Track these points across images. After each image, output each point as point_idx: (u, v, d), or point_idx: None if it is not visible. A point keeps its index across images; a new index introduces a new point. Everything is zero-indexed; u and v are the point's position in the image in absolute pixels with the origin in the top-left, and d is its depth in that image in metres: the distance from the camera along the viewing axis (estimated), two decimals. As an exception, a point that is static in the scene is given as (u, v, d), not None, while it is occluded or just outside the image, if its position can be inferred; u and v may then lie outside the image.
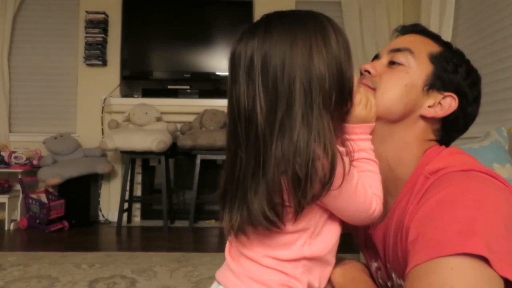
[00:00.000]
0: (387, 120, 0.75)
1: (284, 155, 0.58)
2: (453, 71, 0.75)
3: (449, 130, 0.77)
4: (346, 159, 0.61)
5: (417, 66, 0.75)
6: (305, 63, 0.60)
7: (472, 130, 2.56)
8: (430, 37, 0.79)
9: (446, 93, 0.74)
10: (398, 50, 0.77)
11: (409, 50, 0.76)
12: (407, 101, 0.74)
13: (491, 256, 0.52)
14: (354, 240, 0.92)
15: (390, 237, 0.73)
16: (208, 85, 3.70)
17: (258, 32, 0.62)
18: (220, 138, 3.13)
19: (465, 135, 0.83)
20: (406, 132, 0.75)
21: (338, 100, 0.62)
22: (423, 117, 0.75)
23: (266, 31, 0.62)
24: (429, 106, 0.74)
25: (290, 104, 0.59)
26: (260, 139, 0.60)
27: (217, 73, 3.61)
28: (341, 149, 0.62)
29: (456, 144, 0.80)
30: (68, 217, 3.22)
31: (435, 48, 0.77)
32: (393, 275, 0.76)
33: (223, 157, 3.55)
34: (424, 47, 0.77)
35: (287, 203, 0.60)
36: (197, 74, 3.61)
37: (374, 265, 0.84)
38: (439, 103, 0.74)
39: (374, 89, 0.76)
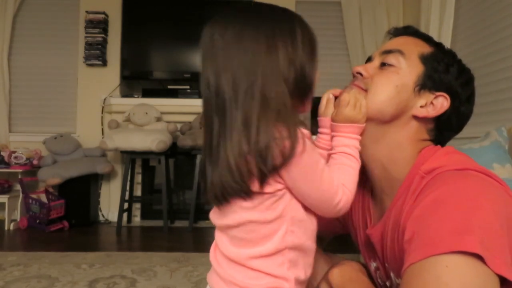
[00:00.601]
0: (379, 121, 0.75)
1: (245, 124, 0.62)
2: (445, 71, 0.75)
3: (442, 129, 0.77)
4: (309, 142, 0.63)
5: (408, 67, 0.75)
6: (267, 52, 0.64)
7: (472, 130, 2.56)
8: (422, 38, 0.80)
9: (438, 93, 0.75)
10: (389, 51, 0.78)
11: (399, 52, 0.76)
12: (398, 102, 0.74)
13: (485, 253, 0.53)
14: (353, 240, 0.92)
15: (388, 237, 0.73)
16: (208, 85, 3.70)
17: (231, 18, 0.70)
18: (220, 138, 3.13)
19: (465, 135, 0.83)
20: (398, 132, 0.76)
21: (297, 93, 0.66)
22: (415, 117, 0.75)
23: (236, 18, 0.69)
24: (421, 106, 0.75)
25: (251, 88, 0.63)
26: (227, 109, 0.64)
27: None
28: (305, 131, 0.64)
29: (456, 144, 0.80)
30: (68, 217, 3.22)
31: (426, 49, 0.77)
32: (392, 275, 0.76)
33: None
34: (415, 48, 0.77)
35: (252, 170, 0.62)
36: (197, 74, 3.58)
37: (373, 265, 0.84)
38: (431, 103, 0.75)
39: (365, 91, 0.77)
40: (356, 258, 1.18)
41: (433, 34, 2.61)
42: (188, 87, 3.58)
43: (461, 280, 0.53)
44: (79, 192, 3.30)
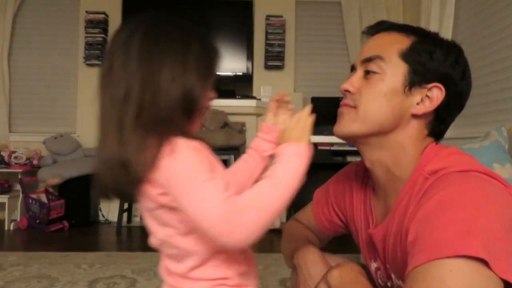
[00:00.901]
0: (381, 132, 0.74)
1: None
2: (429, 60, 0.72)
3: (444, 118, 0.75)
4: (193, 155, 0.61)
5: (391, 70, 0.73)
6: (151, 65, 0.65)
7: (472, 130, 2.55)
8: (398, 31, 0.76)
9: (430, 85, 0.72)
10: (369, 59, 0.75)
11: (379, 58, 0.73)
12: (392, 109, 0.72)
13: (489, 257, 0.52)
14: (355, 240, 0.92)
15: (391, 238, 0.73)
16: (208, 85, 3.70)
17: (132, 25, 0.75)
18: (220, 138, 3.13)
19: (465, 135, 0.83)
20: (401, 135, 0.74)
21: (181, 110, 0.65)
22: (415, 116, 0.73)
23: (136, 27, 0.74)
24: (417, 104, 0.73)
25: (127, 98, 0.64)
26: (107, 109, 0.66)
27: (217, 73, 3.61)
28: (197, 144, 0.63)
29: (456, 144, 0.80)
30: (68, 217, 3.22)
31: (404, 43, 0.74)
32: (393, 276, 0.76)
33: (223, 157, 3.54)
34: (393, 46, 0.74)
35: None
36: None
37: (374, 265, 0.83)
38: (426, 96, 0.72)
39: (355, 107, 0.75)
40: (356, 258, 1.18)
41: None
42: (188, 87, 3.58)
43: (464, 284, 0.52)
44: (79, 192, 3.30)
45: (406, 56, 0.73)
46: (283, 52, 3.65)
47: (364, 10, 3.51)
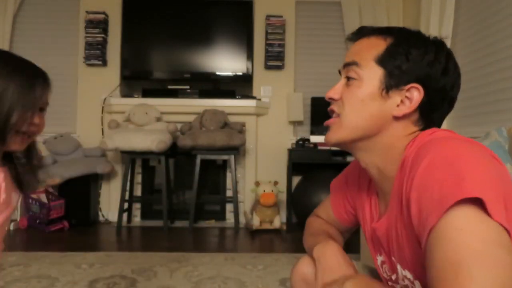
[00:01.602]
0: (366, 136, 0.76)
1: None
2: (405, 61, 0.73)
3: (428, 114, 0.76)
4: None
5: (367, 76, 0.75)
6: None
7: (472, 130, 2.55)
8: (377, 35, 0.78)
9: (407, 86, 0.73)
10: (348, 64, 0.77)
11: (355, 64, 0.76)
12: (371, 114, 0.74)
13: (486, 198, 0.54)
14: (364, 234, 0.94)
15: (393, 229, 0.75)
16: (208, 85, 3.71)
17: None
18: (220, 138, 3.13)
19: (465, 135, 0.83)
20: (387, 137, 0.76)
21: None
22: (397, 118, 0.75)
23: None
24: (397, 106, 0.74)
25: None
26: None
27: (217, 73, 3.61)
28: None
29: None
30: (68, 217, 3.22)
31: (380, 48, 0.75)
32: (398, 267, 0.77)
33: (223, 157, 3.55)
34: (370, 52, 0.76)
35: None
36: (197, 74, 3.61)
37: (379, 258, 0.85)
38: (406, 97, 0.74)
39: (339, 115, 0.78)
40: (356, 258, 1.18)
41: (433, 34, 2.61)
42: (188, 87, 3.58)
43: (479, 238, 0.54)
44: (79, 192, 3.30)
45: (381, 60, 0.74)
46: (283, 52, 3.65)
47: (364, 10, 3.51)
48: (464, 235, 0.54)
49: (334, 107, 0.79)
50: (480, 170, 0.58)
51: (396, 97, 0.74)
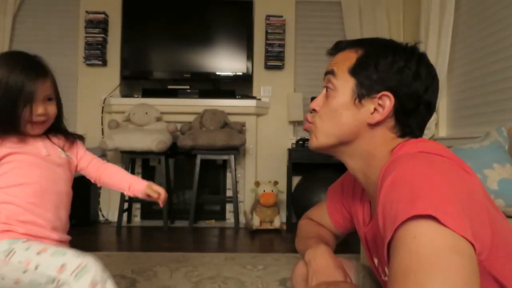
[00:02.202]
0: (342, 143, 0.80)
1: None
2: (374, 72, 0.76)
3: (404, 120, 0.77)
4: None
5: (341, 86, 0.78)
6: None
7: (472, 130, 2.55)
8: (350, 47, 0.81)
9: (379, 94, 0.75)
10: (327, 73, 0.82)
11: (331, 73, 0.80)
12: (344, 122, 0.78)
13: (438, 214, 0.54)
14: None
15: (378, 233, 0.75)
16: (208, 85, 3.71)
17: None
18: (220, 138, 3.13)
19: (465, 135, 0.83)
20: (365, 144, 0.78)
21: None
22: (372, 125, 0.77)
23: None
24: (371, 113, 0.76)
25: None
26: None
27: (217, 73, 3.61)
28: None
29: (456, 144, 0.81)
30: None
31: (352, 59, 0.79)
32: (386, 269, 0.77)
33: (223, 157, 3.54)
34: (344, 64, 0.79)
35: None
36: (197, 74, 3.61)
37: (375, 260, 0.86)
38: (379, 104, 0.76)
39: (310, 123, 0.83)
40: (356, 258, 1.18)
41: (433, 34, 2.62)
42: (188, 87, 3.58)
43: (429, 244, 0.54)
44: (79, 192, 3.26)
45: (353, 71, 0.78)
46: (283, 52, 3.65)
47: (364, 10, 3.51)
48: (417, 242, 0.55)
49: (308, 115, 0.85)
50: (437, 187, 0.58)
51: (369, 105, 0.76)
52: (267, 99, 3.69)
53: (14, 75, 0.97)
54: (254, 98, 3.55)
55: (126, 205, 3.33)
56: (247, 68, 3.63)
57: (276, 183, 3.27)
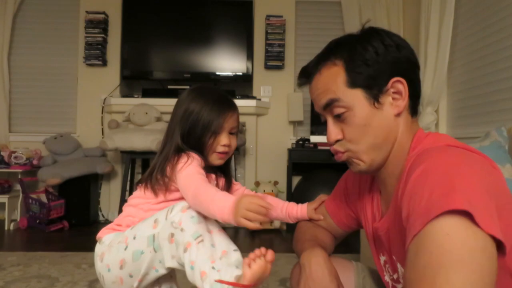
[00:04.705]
0: (387, 148, 0.77)
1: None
2: (368, 68, 0.74)
3: (416, 92, 0.77)
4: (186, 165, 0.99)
5: (352, 102, 0.75)
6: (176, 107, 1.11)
7: (472, 130, 2.55)
8: (324, 65, 0.78)
9: (388, 85, 0.74)
10: (327, 106, 0.77)
11: (335, 100, 0.76)
12: (379, 128, 0.75)
13: (474, 211, 0.54)
14: (366, 235, 0.94)
15: (393, 228, 0.75)
16: (208, 85, 3.70)
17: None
18: (220, 138, 3.13)
19: (465, 135, 0.84)
20: (400, 136, 0.77)
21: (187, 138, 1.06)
22: (398, 114, 0.76)
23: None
24: (393, 105, 0.75)
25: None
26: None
27: (217, 73, 3.61)
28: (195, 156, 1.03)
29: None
30: (68, 217, 3.22)
31: (340, 74, 0.75)
32: (399, 266, 0.77)
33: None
34: (335, 83, 0.76)
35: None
36: (197, 74, 3.61)
37: (382, 258, 0.86)
38: (394, 93, 0.75)
39: (344, 152, 0.78)
40: (356, 258, 1.18)
41: (433, 34, 2.61)
42: (188, 87, 3.57)
43: (463, 244, 0.54)
44: (79, 192, 3.30)
45: (351, 82, 0.75)
46: (283, 52, 3.65)
47: (364, 10, 3.51)
48: (450, 240, 0.54)
49: (338, 147, 0.79)
50: (472, 182, 0.58)
51: (387, 98, 0.75)
52: (267, 99, 3.69)
53: (209, 107, 1.05)
54: (254, 98, 3.55)
55: (126, 205, 3.32)
56: (247, 68, 3.63)
57: (276, 183, 3.27)
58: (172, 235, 0.87)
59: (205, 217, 0.90)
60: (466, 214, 0.54)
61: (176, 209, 0.90)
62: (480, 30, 2.39)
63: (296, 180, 3.41)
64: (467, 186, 0.57)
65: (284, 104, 3.67)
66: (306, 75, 0.82)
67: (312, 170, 3.33)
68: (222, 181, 1.16)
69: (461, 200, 0.55)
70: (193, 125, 1.04)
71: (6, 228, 3.15)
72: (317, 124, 3.47)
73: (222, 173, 1.17)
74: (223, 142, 1.07)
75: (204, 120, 1.03)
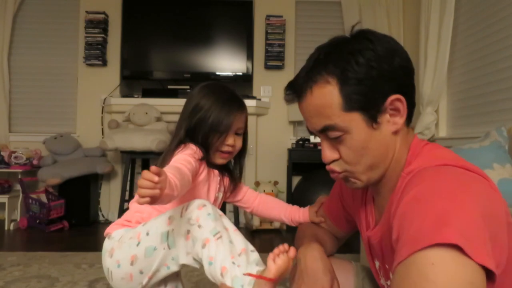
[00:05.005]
0: (385, 168, 0.75)
1: None
2: (365, 89, 0.69)
3: (412, 101, 0.74)
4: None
5: (349, 125, 0.70)
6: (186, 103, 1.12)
7: (472, 130, 2.54)
8: (316, 81, 0.72)
9: (386, 103, 0.70)
10: (323, 130, 0.73)
11: (330, 127, 0.71)
12: (375, 149, 0.72)
13: (465, 244, 0.52)
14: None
15: (385, 238, 0.74)
16: (208, 85, 3.70)
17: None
18: (220, 138, 3.12)
19: (465, 135, 0.83)
20: (396, 152, 0.74)
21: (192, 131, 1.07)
22: (397, 132, 0.73)
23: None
24: (390, 122, 0.72)
25: None
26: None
27: (217, 73, 3.61)
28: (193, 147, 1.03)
29: (456, 144, 0.80)
30: (68, 217, 3.22)
31: (335, 96, 0.70)
32: (391, 275, 0.77)
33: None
34: (330, 107, 0.70)
35: None
36: (197, 74, 3.61)
37: (377, 263, 0.85)
38: (391, 110, 0.71)
39: (342, 172, 0.75)
40: (356, 258, 1.18)
41: (433, 34, 2.61)
42: (188, 87, 3.58)
43: (448, 276, 0.52)
44: (79, 192, 3.30)
45: (347, 106, 0.70)
46: (283, 52, 3.65)
47: (364, 10, 3.51)
48: (434, 270, 0.53)
49: (334, 167, 0.76)
50: (465, 210, 0.55)
51: (384, 117, 0.71)
52: (267, 99, 3.69)
53: (219, 105, 1.04)
54: (254, 98, 3.55)
55: (126, 205, 3.32)
56: (247, 68, 3.63)
57: (276, 183, 3.27)
58: (188, 231, 0.87)
59: (220, 215, 0.90)
60: (456, 246, 0.53)
61: (192, 206, 0.89)
62: (480, 30, 2.39)
63: (296, 180, 3.41)
64: (460, 215, 0.55)
65: (284, 104, 3.67)
66: (296, 92, 0.76)
67: (312, 170, 3.33)
68: (227, 180, 1.17)
69: (453, 233, 0.53)
70: (200, 122, 1.04)
71: (6, 228, 3.15)
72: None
73: (227, 172, 1.17)
74: (228, 142, 1.06)
75: (212, 118, 1.03)
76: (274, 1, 3.72)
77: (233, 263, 0.81)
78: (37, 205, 3.11)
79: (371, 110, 0.70)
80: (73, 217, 3.26)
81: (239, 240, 0.87)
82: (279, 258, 0.78)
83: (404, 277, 0.55)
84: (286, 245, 0.81)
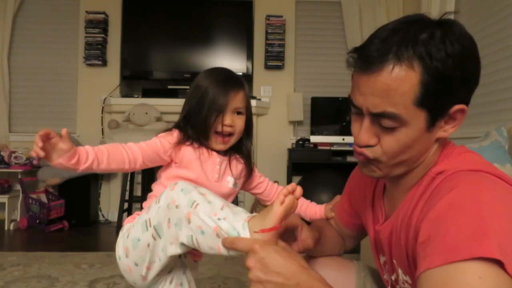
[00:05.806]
0: (411, 168, 0.72)
1: None
2: (445, 92, 0.64)
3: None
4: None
5: (410, 121, 0.65)
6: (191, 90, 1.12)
7: (472, 130, 2.55)
8: (403, 63, 0.62)
9: (450, 112, 0.66)
10: (381, 115, 0.65)
11: (393, 116, 0.64)
12: (417, 150, 0.68)
13: (505, 259, 0.52)
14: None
15: (396, 235, 0.74)
16: (208, 85, 3.70)
17: None
18: (220, 138, 3.13)
19: (465, 135, 0.83)
20: (428, 155, 0.71)
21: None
22: (440, 138, 0.70)
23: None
24: (442, 128, 0.68)
25: None
26: None
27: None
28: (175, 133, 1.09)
29: (456, 144, 0.80)
30: (68, 217, 3.22)
31: (414, 85, 0.62)
32: (399, 271, 0.77)
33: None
34: (403, 96, 0.63)
35: None
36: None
37: (382, 258, 0.85)
38: (450, 118, 0.67)
39: (373, 159, 0.70)
40: (356, 258, 1.18)
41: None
42: (188, 87, 3.57)
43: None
44: (79, 192, 3.30)
45: (421, 101, 0.63)
46: (283, 52, 3.65)
47: (364, 10, 3.51)
48: (483, 284, 0.52)
49: (368, 152, 0.70)
50: (504, 224, 0.55)
51: (440, 122, 0.67)
52: (267, 99, 3.69)
53: (214, 84, 1.03)
54: (254, 98, 3.55)
55: (126, 205, 3.32)
56: (247, 68, 3.63)
57: (276, 183, 3.27)
58: (169, 220, 0.84)
59: (195, 186, 0.86)
60: (497, 261, 0.53)
61: (165, 192, 0.86)
62: (480, 30, 2.39)
63: (296, 180, 3.41)
64: (500, 231, 0.54)
65: (284, 104, 3.67)
66: (368, 61, 0.64)
67: (312, 170, 3.33)
68: (240, 166, 1.08)
69: (493, 247, 0.53)
70: (199, 102, 1.03)
71: (6, 228, 3.15)
72: (317, 124, 3.47)
73: (241, 156, 1.09)
74: (226, 121, 1.01)
75: (209, 97, 1.02)
76: (274, 1, 3.72)
77: (218, 219, 0.78)
78: (37, 205, 3.11)
79: (437, 114, 0.65)
80: (73, 217, 3.26)
81: (217, 199, 0.83)
82: (287, 199, 0.75)
83: (439, 283, 0.55)
84: (294, 184, 0.76)
